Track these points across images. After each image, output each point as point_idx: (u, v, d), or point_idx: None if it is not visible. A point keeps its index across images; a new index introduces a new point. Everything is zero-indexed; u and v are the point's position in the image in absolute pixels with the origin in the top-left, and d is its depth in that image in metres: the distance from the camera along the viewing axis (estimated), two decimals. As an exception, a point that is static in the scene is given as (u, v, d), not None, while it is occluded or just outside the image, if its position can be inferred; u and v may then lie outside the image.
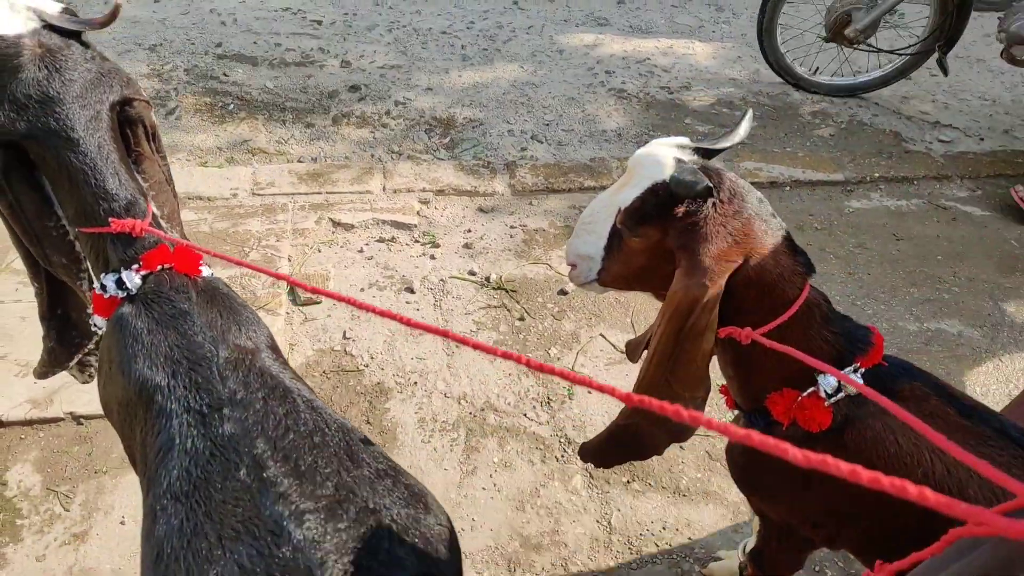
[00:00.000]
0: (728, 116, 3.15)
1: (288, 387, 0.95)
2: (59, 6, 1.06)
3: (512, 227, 2.51)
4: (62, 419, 1.81)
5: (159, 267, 1.05)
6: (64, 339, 1.26)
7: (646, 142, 2.96)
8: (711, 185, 0.93)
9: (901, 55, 3.30)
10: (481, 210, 2.57)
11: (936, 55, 3.14)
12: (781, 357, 0.94)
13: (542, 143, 2.91)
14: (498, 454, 1.83)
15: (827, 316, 1.01)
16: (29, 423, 1.80)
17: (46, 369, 1.29)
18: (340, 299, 0.76)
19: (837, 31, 3.23)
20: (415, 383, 1.98)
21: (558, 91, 3.23)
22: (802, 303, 0.98)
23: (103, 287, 1.07)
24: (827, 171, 2.87)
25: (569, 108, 3.10)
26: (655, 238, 0.98)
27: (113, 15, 1.04)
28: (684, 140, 1.02)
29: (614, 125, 3.04)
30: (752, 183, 2.83)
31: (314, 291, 0.86)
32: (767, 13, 3.24)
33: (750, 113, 1.10)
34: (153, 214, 1.11)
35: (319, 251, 2.35)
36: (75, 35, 1.05)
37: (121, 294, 1.06)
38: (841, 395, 0.99)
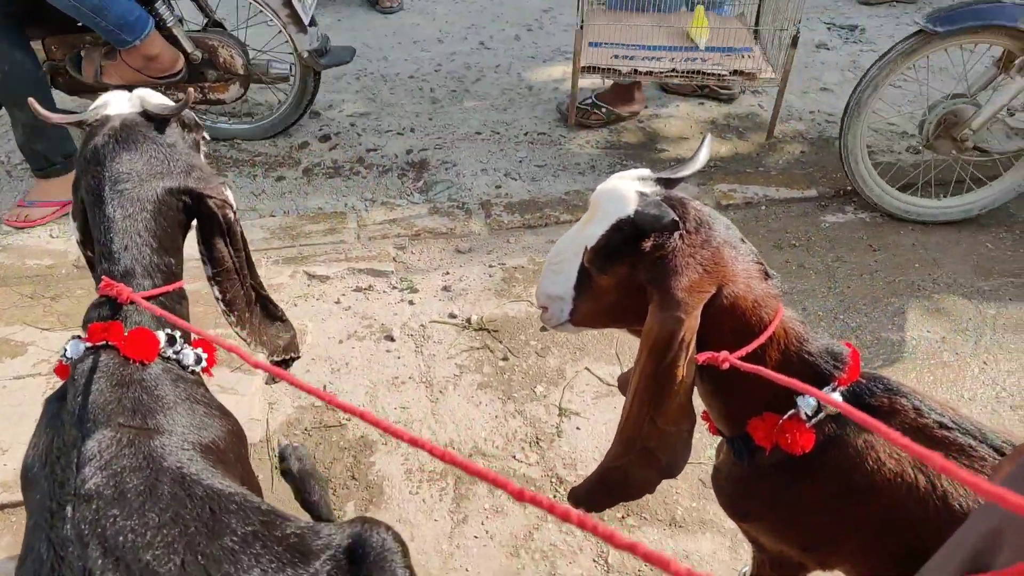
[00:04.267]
0: (701, 139, 3.18)
1: (165, 467, 0.88)
2: (161, 99, 1.21)
3: (491, 266, 2.50)
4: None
5: (101, 343, 0.99)
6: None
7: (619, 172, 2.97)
8: (676, 218, 0.92)
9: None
10: (458, 251, 2.56)
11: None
12: (760, 381, 0.93)
13: (516, 180, 2.91)
14: (489, 500, 1.79)
15: (803, 337, 1.00)
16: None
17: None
18: (296, 383, 0.73)
19: None
20: (401, 432, 1.94)
21: (530, 127, 3.25)
22: (777, 325, 0.98)
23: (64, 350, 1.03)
24: (800, 188, 2.89)
25: (541, 143, 3.12)
26: (624, 274, 0.97)
27: (184, 105, 1.19)
28: (645, 172, 1.02)
29: (586, 157, 3.05)
30: (727, 204, 2.83)
31: (272, 371, 0.83)
32: None
33: (709, 138, 1.10)
34: (175, 292, 1.10)
35: (295, 305, 2.32)
36: (166, 120, 1.19)
37: (64, 361, 1.02)
38: (821, 415, 0.98)
